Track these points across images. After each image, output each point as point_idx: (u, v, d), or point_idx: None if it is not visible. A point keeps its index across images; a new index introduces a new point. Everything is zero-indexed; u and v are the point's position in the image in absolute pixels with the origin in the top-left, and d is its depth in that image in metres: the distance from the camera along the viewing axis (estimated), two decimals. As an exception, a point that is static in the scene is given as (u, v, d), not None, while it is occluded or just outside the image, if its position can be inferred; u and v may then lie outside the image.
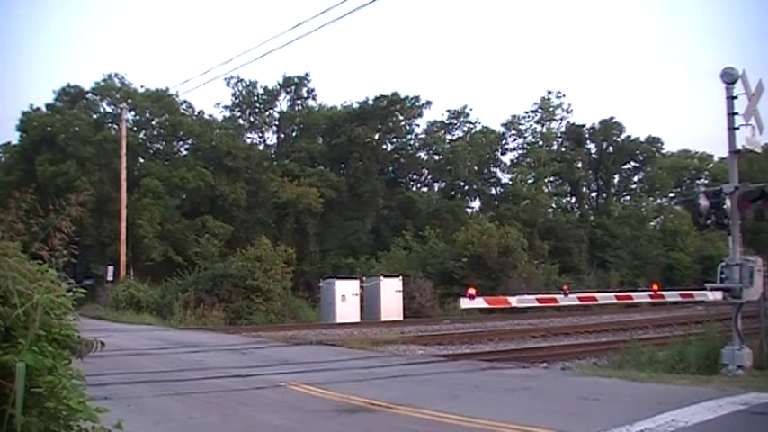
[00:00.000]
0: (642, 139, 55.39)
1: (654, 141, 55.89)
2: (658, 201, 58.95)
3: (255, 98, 50.59)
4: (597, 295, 30.41)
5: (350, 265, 39.50)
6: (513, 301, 26.27)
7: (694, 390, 8.81)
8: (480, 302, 24.93)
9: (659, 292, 33.17)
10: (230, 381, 10.24)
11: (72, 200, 4.50)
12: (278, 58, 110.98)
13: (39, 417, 3.63)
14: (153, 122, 44.52)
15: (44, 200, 4.65)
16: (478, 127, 53.18)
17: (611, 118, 54.71)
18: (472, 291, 25.37)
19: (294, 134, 51.63)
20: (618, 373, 10.81)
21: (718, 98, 11.51)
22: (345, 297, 28.53)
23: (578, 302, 28.82)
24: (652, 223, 54.59)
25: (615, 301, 30.08)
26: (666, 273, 47.56)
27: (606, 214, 53.26)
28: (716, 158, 58.45)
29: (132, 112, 42.63)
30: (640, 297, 31.78)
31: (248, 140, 49.73)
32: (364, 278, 31.39)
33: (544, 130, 55.27)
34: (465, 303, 24.35)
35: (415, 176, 53.71)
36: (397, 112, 49.42)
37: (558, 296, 28.37)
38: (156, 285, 30.47)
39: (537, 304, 26.83)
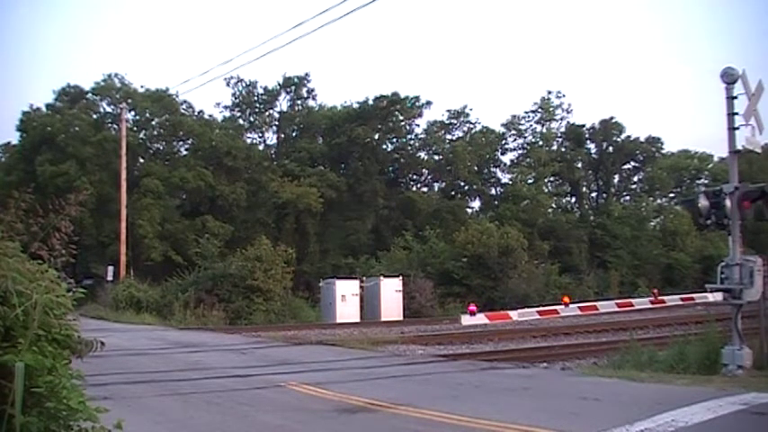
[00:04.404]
0: (642, 139, 55.41)
1: (654, 141, 55.89)
2: (658, 201, 58.94)
3: (255, 98, 50.57)
4: (598, 304, 30.55)
5: (350, 265, 39.47)
6: (515, 315, 26.56)
7: (694, 390, 8.81)
8: (482, 318, 25.25)
9: (660, 298, 33.30)
10: (230, 381, 10.23)
11: (72, 200, 4.49)
12: (278, 58, 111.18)
13: (38, 417, 3.63)
14: (153, 122, 44.46)
15: (44, 200, 4.64)
16: (478, 127, 53.24)
17: (611, 118, 54.78)
18: (473, 307, 25.68)
19: (294, 134, 51.61)
20: (618, 373, 10.80)
21: (719, 98, 11.53)
22: (345, 297, 28.54)
23: (580, 313, 28.99)
24: (652, 223, 54.59)
25: (616, 309, 30.19)
26: (666, 273, 47.62)
27: (606, 214, 53.22)
28: (716, 158, 58.50)
29: (132, 112, 42.59)
30: (641, 304, 31.91)
31: (248, 140, 49.71)
32: (364, 278, 31.40)
33: (544, 130, 55.24)
34: (466, 320, 24.63)
35: (415, 176, 53.68)
36: (397, 112, 49.38)
37: (558, 307, 28.62)
38: (156, 285, 30.45)
39: (538, 317, 27.10)
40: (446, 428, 6.85)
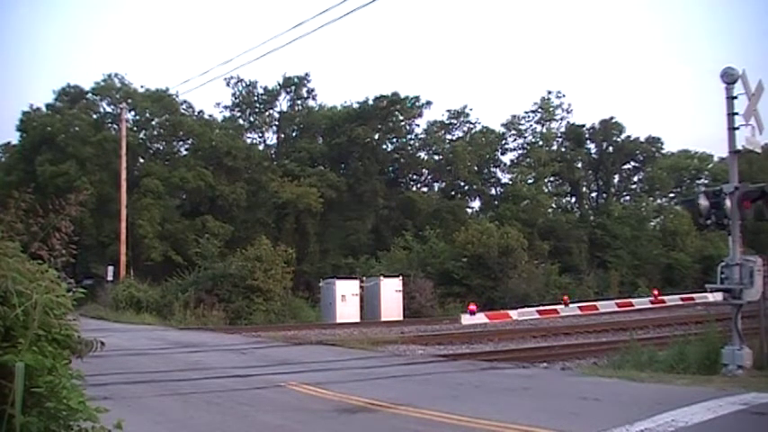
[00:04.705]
0: (642, 139, 55.44)
1: (654, 141, 55.91)
2: (658, 201, 58.95)
3: (255, 98, 50.58)
4: (598, 304, 30.59)
5: (350, 265, 39.48)
6: (515, 315, 26.59)
7: (694, 390, 8.81)
8: (482, 318, 25.29)
9: (660, 298, 33.35)
10: (230, 381, 10.23)
11: (72, 200, 4.49)
12: (278, 58, 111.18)
13: (38, 417, 3.63)
14: (153, 122, 44.47)
15: (44, 200, 4.64)
16: (478, 127, 53.26)
17: (611, 118, 54.80)
18: (473, 307, 25.71)
19: (294, 134, 51.61)
20: (618, 373, 10.80)
21: (719, 98, 11.53)
22: (345, 297, 28.55)
23: (580, 313, 29.03)
24: (652, 223, 54.59)
25: (616, 309, 30.22)
26: (666, 273, 47.63)
27: (606, 214, 53.24)
28: (716, 158, 58.52)
29: (132, 112, 42.59)
30: (641, 304, 31.94)
31: (248, 140, 49.73)
32: (364, 278, 31.40)
33: (544, 130, 55.26)
34: (466, 319, 24.66)
35: (415, 176, 53.68)
36: (397, 112, 49.38)
37: (558, 307, 28.66)
38: (156, 285, 30.44)
39: (538, 317, 27.15)
40: (446, 428, 6.85)
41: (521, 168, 53.38)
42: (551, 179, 55.12)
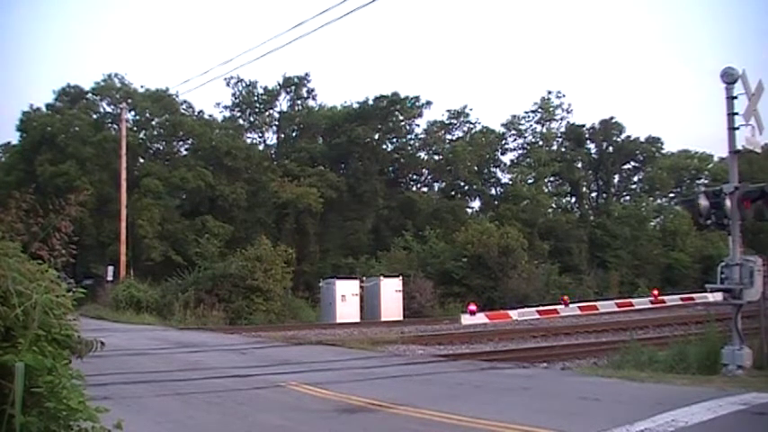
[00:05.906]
0: (642, 139, 55.48)
1: (654, 141, 55.95)
2: (658, 201, 58.97)
3: (255, 98, 50.56)
4: (598, 304, 30.58)
5: (350, 265, 39.49)
6: (515, 315, 26.59)
7: (694, 390, 8.81)
8: (482, 318, 25.28)
9: (660, 298, 33.34)
10: (230, 381, 10.23)
11: (72, 200, 4.50)
12: (278, 58, 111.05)
13: (38, 417, 3.63)
14: (153, 122, 44.47)
15: (44, 200, 4.65)
16: (478, 127, 53.19)
17: (611, 118, 54.83)
18: (473, 307, 25.71)
19: (294, 134, 51.61)
20: (618, 373, 10.80)
21: (719, 98, 11.53)
22: (345, 297, 28.57)
23: (580, 313, 29.02)
24: (652, 223, 54.62)
25: (616, 309, 30.22)
26: (666, 273, 47.65)
27: (606, 214, 53.26)
28: (716, 158, 58.48)
29: (132, 112, 42.58)
30: (641, 304, 31.95)
31: (248, 140, 49.70)
32: (364, 278, 31.41)
33: (544, 130, 55.26)
34: (466, 320, 24.65)
35: (415, 176, 53.67)
36: (397, 112, 49.38)
37: (558, 307, 28.67)
38: (156, 285, 30.44)
39: (538, 317, 27.14)
40: (446, 428, 6.85)
41: (521, 168, 53.39)
42: (551, 179, 55.11)
